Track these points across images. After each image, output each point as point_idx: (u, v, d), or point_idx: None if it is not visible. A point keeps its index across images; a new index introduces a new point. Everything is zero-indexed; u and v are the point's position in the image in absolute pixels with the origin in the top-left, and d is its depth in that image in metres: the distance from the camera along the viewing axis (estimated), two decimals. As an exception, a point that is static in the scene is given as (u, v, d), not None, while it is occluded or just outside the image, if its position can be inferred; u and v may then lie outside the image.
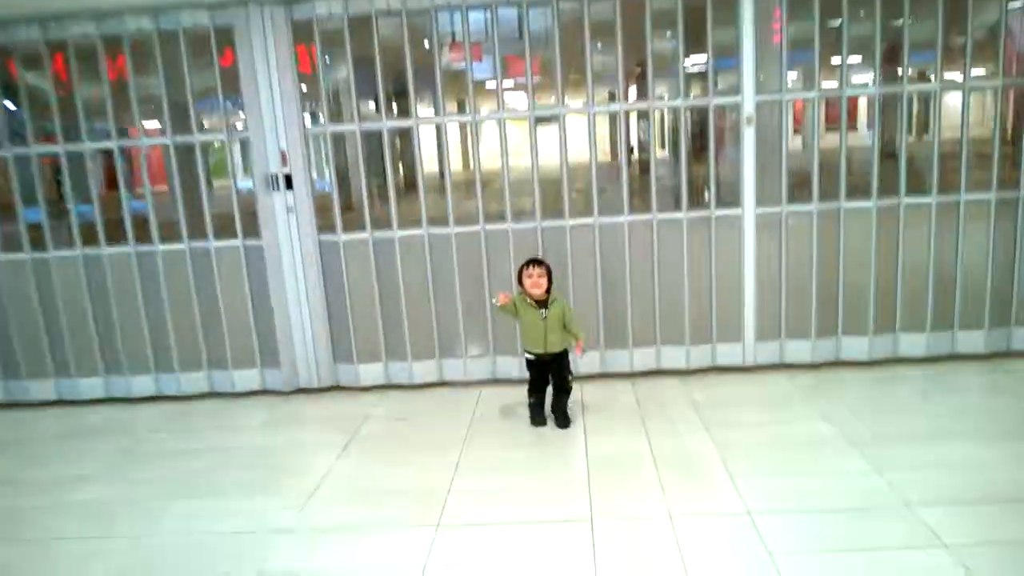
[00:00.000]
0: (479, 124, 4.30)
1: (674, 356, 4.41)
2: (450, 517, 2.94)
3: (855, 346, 4.35)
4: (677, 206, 4.28)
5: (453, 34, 4.67)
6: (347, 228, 4.42)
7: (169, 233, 4.48)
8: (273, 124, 4.27)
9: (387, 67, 4.23)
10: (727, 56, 4.14)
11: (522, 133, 4.33)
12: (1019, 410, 3.63)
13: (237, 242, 4.47)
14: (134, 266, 4.49)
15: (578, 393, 4.02)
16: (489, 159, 4.33)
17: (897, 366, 4.30)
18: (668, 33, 4.15)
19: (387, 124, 4.27)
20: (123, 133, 4.36)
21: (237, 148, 4.49)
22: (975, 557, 2.46)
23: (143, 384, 4.64)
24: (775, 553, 2.54)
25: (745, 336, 4.37)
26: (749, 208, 4.25)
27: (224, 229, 4.46)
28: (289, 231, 4.41)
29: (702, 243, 4.30)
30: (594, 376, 4.38)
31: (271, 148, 4.31)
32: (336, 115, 4.38)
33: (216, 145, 4.52)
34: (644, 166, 4.46)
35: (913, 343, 4.34)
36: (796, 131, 4.64)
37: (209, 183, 4.48)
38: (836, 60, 4.15)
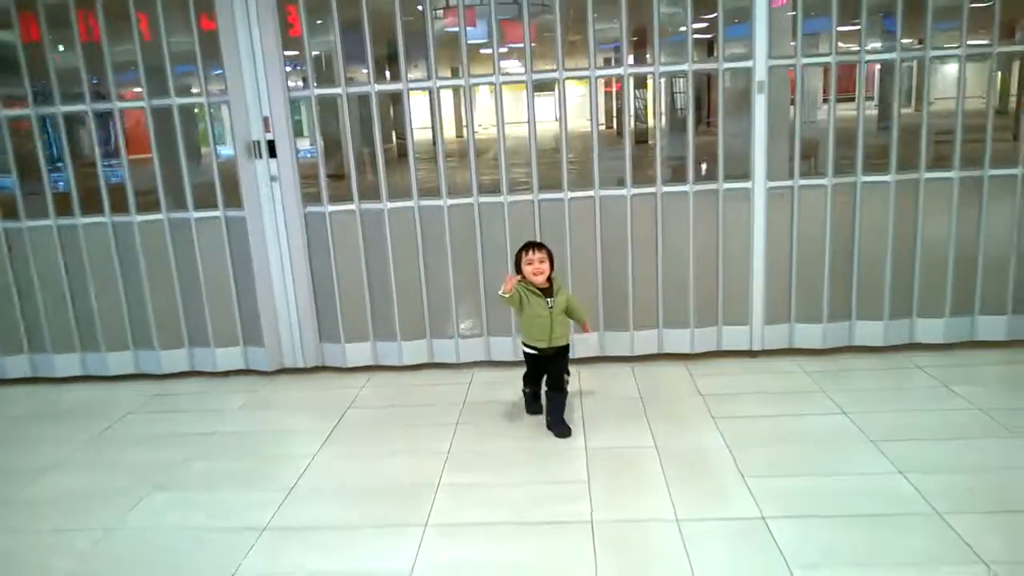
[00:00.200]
0: (473, 89, 4.03)
1: (677, 339, 4.18)
2: (439, 516, 2.72)
3: (869, 331, 4.11)
4: (683, 178, 4.02)
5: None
6: (334, 199, 4.18)
7: (147, 203, 4.24)
8: (255, 87, 4.01)
9: (376, 29, 3.96)
10: (739, 21, 3.86)
11: (518, 102, 4.07)
12: (1047, 402, 3.40)
13: (218, 213, 4.23)
14: (110, 237, 4.27)
15: (575, 378, 3.80)
16: (484, 128, 4.07)
17: (913, 352, 4.06)
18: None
19: (375, 87, 4.01)
20: (98, 96, 4.11)
21: (220, 113, 4.23)
22: None
23: (121, 361, 4.43)
24: (794, 566, 2.31)
25: (753, 319, 4.13)
26: (760, 181, 3.99)
27: (205, 199, 4.22)
28: (272, 201, 4.17)
29: (709, 218, 4.04)
30: (592, 360, 4.16)
31: (253, 113, 4.05)
32: (323, 79, 4.11)
33: (196, 111, 4.26)
34: (648, 135, 4.20)
35: (931, 328, 4.09)
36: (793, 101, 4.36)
37: (190, 150, 4.23)
38: (855, 26, 3.86)
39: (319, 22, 4.07)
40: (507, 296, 3.23)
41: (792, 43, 3.91)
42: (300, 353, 4.34)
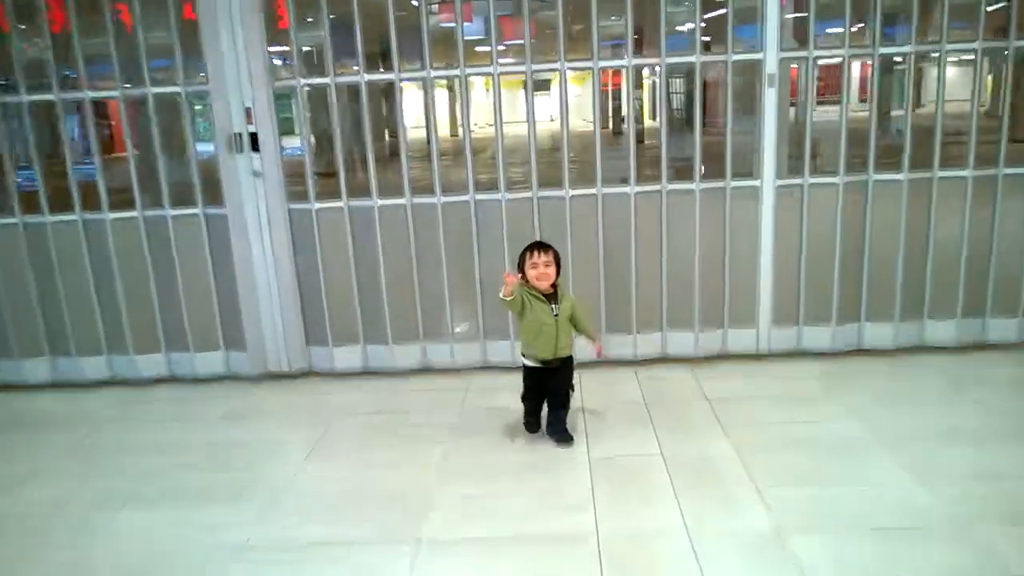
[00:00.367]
0: (469, 83, 3.83)
1: (682, 342, 4.01)
2: (434, 531, 2.53)
3: (878, 333, 3.97)
4: (689, 176, 3.85)
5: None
6: (321, 196, 3.96)
7: (120, 200, 4.00)
8: (236, 76, 3.77)
9: (368, 24, 3.74)
10: (748, 22, 3.70)
11: (515, 102, 3.88)
12: (1065, 407, 3.29)
13: (197, 210, 4.00)
14: (81, 236, 4.02)
15: (576, 383, 3.60)
16: (481, 123, 3.88)
17: (923, 355, 3.93)
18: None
19: (366, 77, 3.79)
20: (68, 85, 3.86)
21: (198, 105, 4.00)
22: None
23: (95, 367, 4.18)
24: (816, 586, 2.16)
25: (760, 321, 3.98)
26: (768, 179, 3.83)
27: (183, 196, 3.98)
28: (255, 198, 3.94)
29: (716, 217, 3.88)
30: (593, 364, 3.97)
31: (234, 104, 3.82)
32: (312, 71, 3.88)
33: (176, 101, 4.02)
34: (644, 135, 4.02)
35: (941, 330, 3.96)
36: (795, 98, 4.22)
37: (169, 145, 3.99)
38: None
39: (309, 20, 3.85)
40: (508, 299, 2.95)
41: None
42: (285, 357, 4.11)
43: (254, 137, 3.87)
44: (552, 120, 3.88)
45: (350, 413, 3.63)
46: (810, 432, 3.13)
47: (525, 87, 3.82)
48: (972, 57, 3.73)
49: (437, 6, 4.14)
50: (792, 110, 3.97)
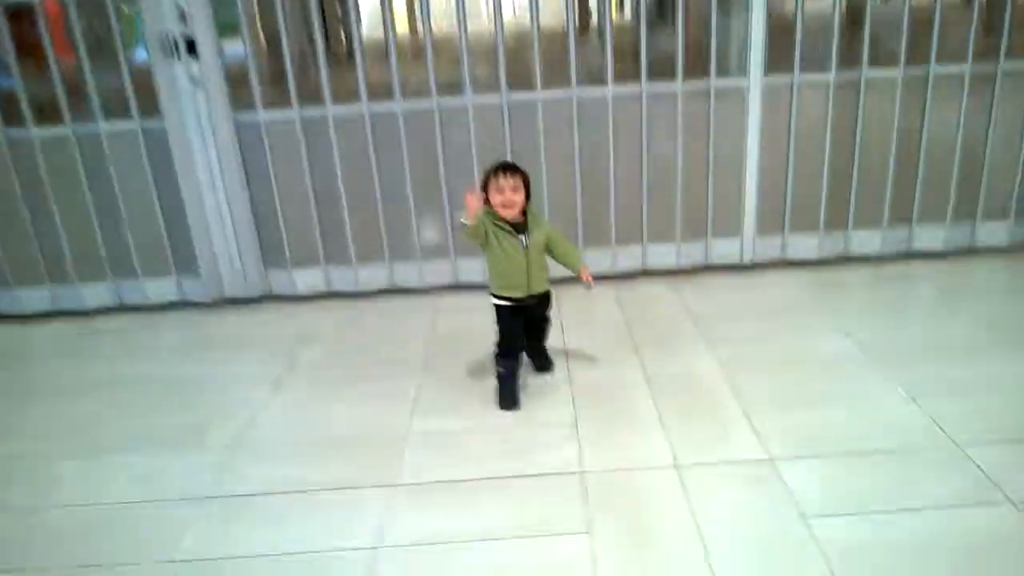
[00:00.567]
0: (428, -30, 3.43)
1: (662, 255, 3.81)
2: (410, 473, 2.36)
3: (865, 240, 3.80)
4: (671, 75, 3.55)
5: None
6: (269, 105, 3.60)
7: (47, 114, 3.61)
8: (164, -31, 3.34)
9: None
10: None
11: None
12: (1059, 315, 3.17)
13: (133, 124, 3.63)
14: (7, 156, 3.64)
15: (554, 302, 3.41)
16: (443, 15, 3.50)
17: (910, 262, 3.78)
18: None
19: (311, -34, 3.38)
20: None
21: (126, 5, 3.55)
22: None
23: (36, 298, 3.89)
24: (809, 515, 2.04)
25: (744, 230, 3.78)
26: (756, 78, 3.55)
27: (118, 109, 3.60)
28: (196, 109, 3.57)
29: (699, 120, 3.61)
30: (569, 279, 3.76)
31: (166, 3, 3.39)
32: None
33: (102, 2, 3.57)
34: (630, 28, 3.68)
35: (931, 236, 3.80)
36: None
37: (97, 51, 3.56)
38: None
39: None
40: (469, 224, 2.49)
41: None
42: (242, 281, 3.85)
43: (190, 41, 3.47)
44: (516, 16, 3.51)
45: (314, 341, 3.41)
46: (799, 349, 2.98)
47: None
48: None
49: None
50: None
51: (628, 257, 3.81)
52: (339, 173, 3.66)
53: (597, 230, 3.75)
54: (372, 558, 2.01)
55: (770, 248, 3.82)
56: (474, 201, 2.47)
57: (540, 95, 3.56)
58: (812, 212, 3.74)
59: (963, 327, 3.09)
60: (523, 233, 2.59)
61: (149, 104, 3.58)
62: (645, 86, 3.54)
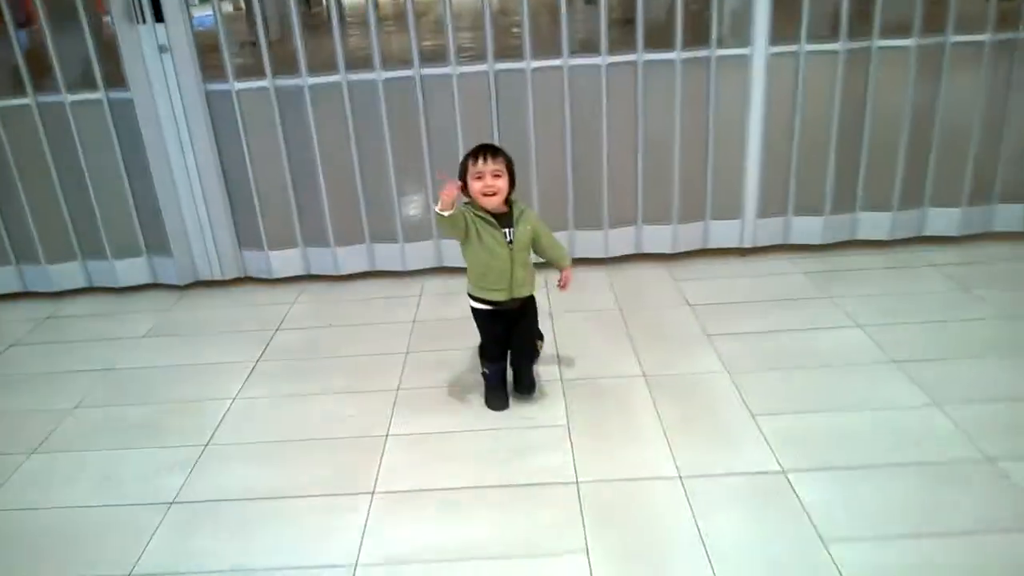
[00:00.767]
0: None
1: (658, 237, 3.61)
2: (389, 480, 2.18)
3: (874, 223, 3.59)
4: (669, 43, 3.32)
5: None
6: (241, 74, 3.38)
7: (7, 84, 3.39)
8: (123, -74, 3.09)
9: None
10: None
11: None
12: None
13: (99, 95, 3.40)
14: (-35, 128, 3.43)
15: (543, 288, 3.23)
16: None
17: (921, 247, 3.57)
18: None
19: (282, -74, 3.13)
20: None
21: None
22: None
23: (4, 279, 3.69)
24: (828, 537, 1.85)
25: (745, 212, 3.58)
26: (760, 47, 3.32)
27: (81, 78, 3.37)
28: (165, 78, 3.35)
29: (699, 92, 3.38)
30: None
31: (126, -38, 3.16)
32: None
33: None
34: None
35: (943, 219, 3.59)
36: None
37: (58, 15, 3.33)
38: None
39: None
40: (446, 216, 2.17)
41: None
42: (217, 263, 3.66)
43: (156, 5, 3.23)
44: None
45: (290, 327, 3.23)
46: (807, 344, 2.78)
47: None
48: None
49: None
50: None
51: (622, 240, 3.61)
52: (316, 148, 3.45)
53: (589, 211, 3.55)
54: (345, 576, 1.86)
55: (771, 231, 3.61)
56: (451, 188, 2.15)
57: (529, 64, 3.33)
58: (817, 193, 3.53)
59: (983, 319, 2.88)
60: (508, 225, 2.27)
61: (115, 73, 3.36)
62: (641, 55, 3.31)
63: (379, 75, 3.34)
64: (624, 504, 2.03)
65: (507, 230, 2.27)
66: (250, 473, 2.26)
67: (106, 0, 3.24)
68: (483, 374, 2.51)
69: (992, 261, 3.41)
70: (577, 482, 2.12)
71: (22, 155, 3.48)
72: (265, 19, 3.33)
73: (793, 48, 3.33)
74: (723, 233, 3.62)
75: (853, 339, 2.79)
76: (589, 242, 3.60)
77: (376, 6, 3.24)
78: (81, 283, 3.71)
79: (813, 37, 3.31)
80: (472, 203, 2.28)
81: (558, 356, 2.79)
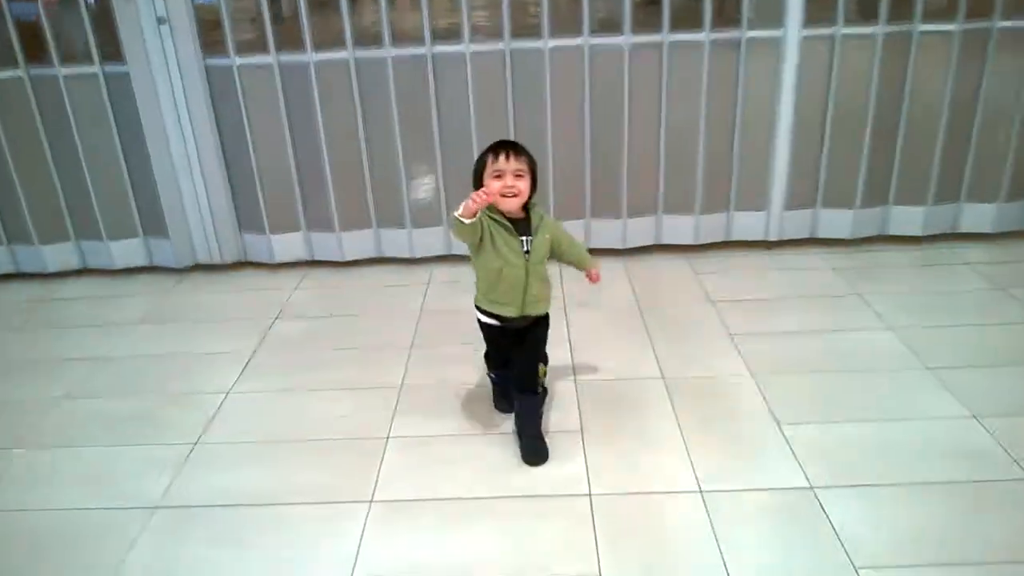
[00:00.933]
0: None
1: (679, 228, 3.44)
2: (388, 485, 2.03)
3: (906, 217, 3.41)
4: (697, 24, 3.12)
5: None
6: (243, 49, 3.21)
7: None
8: None
9: None
10: None
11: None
12: None
13: (94, 68, 3.24)
14: (-47, 101, 3.28)
15: (556, 281, 3.06)
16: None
17: (955, 244, 3.39)
18: None
19: None
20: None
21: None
22: None
23: (-6, 258, 3.57)
24: (859, 564, 1.68)
25: (772, 203, 3.40)
26: (793, 29, 3.13)
27: (76, 51, 3.21)
28: (163, 52, 3.19)
29: (727, 76, 3.20)
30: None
31: (122, -74, 2.98)
32: None
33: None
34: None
35: (980, 215, 3.40)
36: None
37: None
38: None
39: None
40: (465, 222, 1.89)
41: None
42: (216, 247, 3.51)
43: (154, -28, 3.07)
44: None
45: (290, 316, 3.08)
46: (835, 345, 2.62)
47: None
48: None
49: None
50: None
51: (641, 230, 3.44)
52: (321, 128, 3.28)
53: (607, 199, 3.38)
54: (337, 592, 1.72)
55: (798, 224, 3.43)
56: (484, 197, 1.87)
57: (547, 43, 3.14)
58: (849, 185, 3.34)
59: (1021, 325, 2.72)
60: (526, 233, 2.01)
61: (111, 45, 3.20)
62: (667, 35, 3.13)
63: (388, 52, 3.17)
64: (640, 520, 1.87)
65: (524, 239, 2.01)
66: (240, 476, 2.12)
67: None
68: (489, 376, 2.35)
69: (1030, 261, 3.23)
70: (590, 494, 1.97)
71: (14, 130, 3.33)
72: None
73: (828, 31, 3.13)
74: (748, 225, 3.44)
75: (884, 342, 2.62)
76: (607, 232, 3.42)
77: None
78: (75, 265, 3.57)
79: (849, 19, 3.11)
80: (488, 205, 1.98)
81: (572, 355, 2.63)
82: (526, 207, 2.04)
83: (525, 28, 3.13)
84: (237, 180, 3.40)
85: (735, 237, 3.46)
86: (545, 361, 2.17)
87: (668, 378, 2.46)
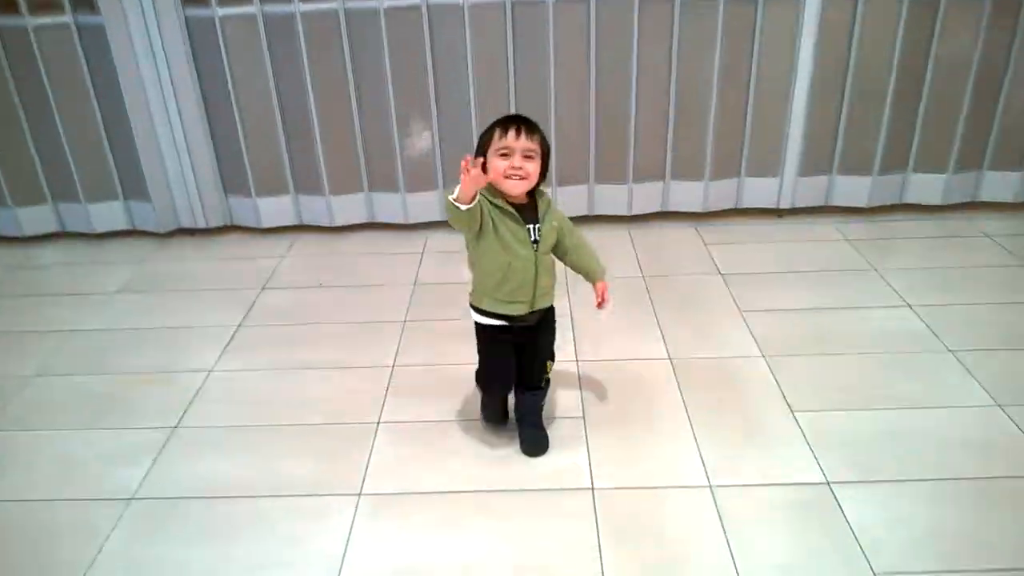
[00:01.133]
0: None
1: (687, 194, 3.27)
2: (378, 476, 1.91)
3: (926, 186, 3.24)
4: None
5: None
6: (224, -1, 3.00)
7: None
8: None
9: None
10: None
11: None
12: None
13: (66, 18, 3.02)
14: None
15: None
16: None
17: (975, 213, 3.23)
18: None
19: None
20: None
21: None
22: None
23: (-34, 221, 3.40)
24: (877, 566, 1.58)
25: (785, 169, 3.23)
26: (815, -18, 2.92)
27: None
28: (140, 2, 2.97)
29: (743, 31, 2.99)
30: (578, 220, 3.25)
31: None
32: None
33: None
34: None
35: (1000, 184, 3.23)
36: None
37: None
38: None
39: None
40: (462, 208, 1.64)
41: None
42: (200, 210, 3.34)
43: (126, -88, 2.83)
44: None
45: (277, 286, 2.94)
46: (851, 324, 2.48)
47: None
48: None
49: None
50: None
51: (647, 196, 3.27)
52: (309, 83, 3.08)
53: (612, 163, 3.20)
54: (324, 595, 1.61)
55: (812, 192, 3.27)
56: (475, 173, 1.60)
57: (551, -4, 2.94)
58: (867, 150, 3.17)
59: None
60: (533, 221, 1.78)
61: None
62: (680, -12, 2.92)
63: (381, 3, 2.95)
64: (645, 516, 1.76)
65: (531, 227, 1.77)
66: (220, 466, 1.99)
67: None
68: (481, 400, 2.07)
69: (1058, 232, 3.08)
70: (592, 488, 1.85)
71: (-17, 84, 3.13)
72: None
73: (852, -16, 2.92)
74: (759, 192, 3.27)
75: (903, 321, 2.49)
76: (611, 198, 3.26)
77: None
78: (53, 227, 3.41)
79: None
80: (489, 188, 1.75)
81: (574, 334, 2.48)
82: (531, 193, 1.81)
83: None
84: (221, 140, 3.21)
85: (745, 204, 3.30)
86: (552, 358, 2.01)
87: (675, 359, 2.33)
